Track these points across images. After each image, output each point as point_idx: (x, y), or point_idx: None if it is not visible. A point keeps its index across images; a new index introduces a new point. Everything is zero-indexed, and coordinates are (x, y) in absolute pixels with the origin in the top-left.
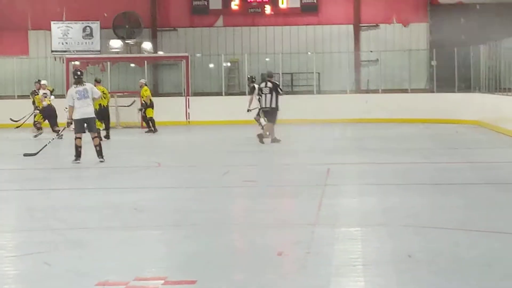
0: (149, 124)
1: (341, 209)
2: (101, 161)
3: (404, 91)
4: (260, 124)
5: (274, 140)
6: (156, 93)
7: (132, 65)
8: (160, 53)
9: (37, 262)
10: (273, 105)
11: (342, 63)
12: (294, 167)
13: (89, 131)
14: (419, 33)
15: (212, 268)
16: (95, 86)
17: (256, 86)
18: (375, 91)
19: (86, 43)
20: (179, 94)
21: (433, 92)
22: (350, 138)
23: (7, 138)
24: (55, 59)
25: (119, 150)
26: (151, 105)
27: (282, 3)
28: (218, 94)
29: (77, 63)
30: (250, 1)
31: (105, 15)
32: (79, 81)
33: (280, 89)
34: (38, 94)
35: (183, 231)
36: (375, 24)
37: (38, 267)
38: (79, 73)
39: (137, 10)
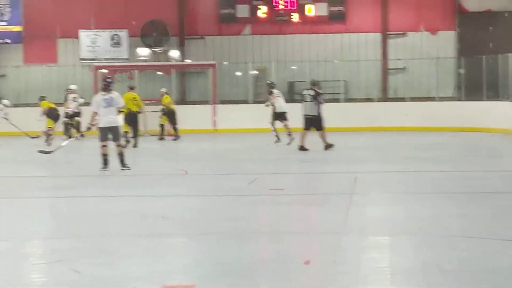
0: (176, 131)
1: (369, 218)
2: (122, 169)
3: (432, 99)
4: (274, 130)
5: (328, 147)
6: (183, 101)
7: (160, 73)
8: (188, 61)
9: (65, 269)
10: (315, 113)
11: (369, 71)
12: (321, 176)
13: (112, 140)
14: (447, 41)
15: (239, 276)
16: (128, 92)
17: (275, 91)
18: (403, 99)
19: (114, 51)
20: (206, 102)
21: (460, 100)
22: (377, 147)
23: (36, 146)
24: (84, 67)
25: (146, 158)
26: (169, 113)
27: (310, 11)
28: (245, 102)
29: (105, 71)
30: (278, 9)
31: (133, 23)
32: (107, 88)
33: (322, 97)
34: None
35: (210, 239)
36: (402, 32)
37: (67, 275)
38: (108, 80)
39: (165, 18)
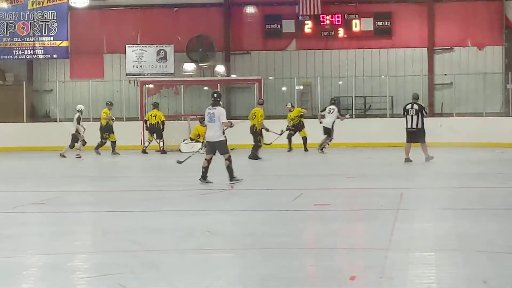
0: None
1: (415, 234)
2: (231, 183)
3: (479, 114)
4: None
5: (428, 159)
6: (228, 116)
7: (205, 88)
8: (233, 76)
9: (112, 283)
10: (419, 126)
11: (416, 86)
12: (366, 191)
13: (220, 153)
14: (494, 56)
15: None
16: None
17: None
18: (449, 115)
19: (160, 66)
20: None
21: (508, 116)
22: (424, 162)
23: (82, 161)
24: (130, 82)
25: (193, 173)
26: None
27: (356, 26)
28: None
29: (151, 86)
30: (324, 24)
31: (179, 38)
32: (214, 103)
33: (425, 111)
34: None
35: (256, 254)
36: (449, 47)
37: None
38: (215, 95)
39: (210, 33)
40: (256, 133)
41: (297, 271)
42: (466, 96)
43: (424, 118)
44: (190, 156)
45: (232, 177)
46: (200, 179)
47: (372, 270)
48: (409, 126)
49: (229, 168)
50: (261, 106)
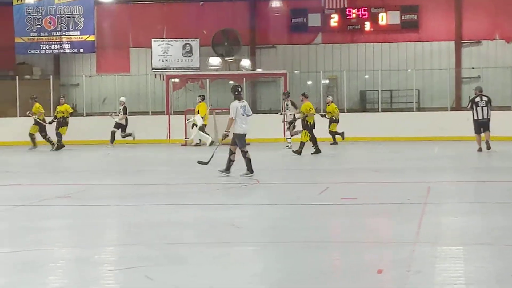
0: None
1: (442, 228)
2: (244, 175)
3: (507, 108)
4: (290, 137)
5: (487, 148)
6: (254, 110)
7: (231, 82)
8: (259, 70)
9: (138, 276)
10: (488, 117)
11: (443, 80)
12: (394, 185)
13: (242, 147)
14: None
15: (311, 286)
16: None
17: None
18: None
19: (185, 60)
20: (277, 111)
21: None
22: (451, 156)
23: (108, 155)
24: (155, 76)
25: (218, 167)
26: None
27: (382, 20)
28: (316, 111)
29: (176, 80)
30: (350, 18)
31: (204, 32)
32: (240, 96)
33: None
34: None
35: (281, 248)
36: (477, 41)
37: (139, 281)
38: (239, 89)
39: (236, 27)
40: (308, 127)
41: (323, 265)
42: (494, 89)
43: (490, 109)
44: (213, 155)
45: (250, 169)
46: (223, 170)
47: (399, 264)
48: (480, 117)
49: (232, 162)
50: (307, 99)
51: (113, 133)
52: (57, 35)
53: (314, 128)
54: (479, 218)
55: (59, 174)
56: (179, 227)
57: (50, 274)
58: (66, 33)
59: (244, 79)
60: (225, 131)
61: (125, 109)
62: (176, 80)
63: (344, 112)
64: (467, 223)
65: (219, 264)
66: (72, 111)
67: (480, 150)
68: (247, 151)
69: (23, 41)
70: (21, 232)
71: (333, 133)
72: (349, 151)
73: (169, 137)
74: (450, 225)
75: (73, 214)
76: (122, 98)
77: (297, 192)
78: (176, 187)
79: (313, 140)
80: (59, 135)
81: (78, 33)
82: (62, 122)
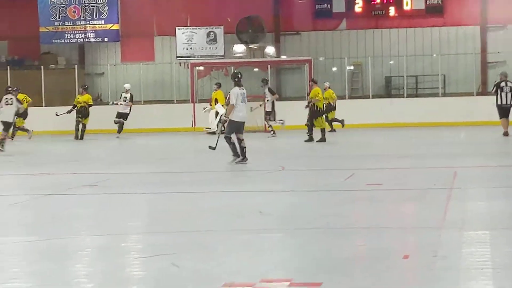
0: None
1: (469, 212)
2: (237, 162)
3: None
4: (270, 125)
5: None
6: (279, 97)
7: (256, 69)
8: (283, 57)
9: (165, 263)
10: (511, 103)
11: (468, 65)
12: (420, 171)
13: (240, 133)
14: None
15: (337, 272)
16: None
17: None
18: None
19: (210, 48)
20: (302, 98)
21: None
22: (478, 141)
23: (134, 143)
24: (180, 65)
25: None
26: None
27: (407, 5)
28: (341, 98)
29: (201, 68)
30: (374, 3)
31: (229, 20)
32: (240, 83)
33: None
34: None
35: (307, 234)
36: (502, 24)
37: (166, 269)
38: (240, 75)
39: (260, 14)
40: (319, 112)
41: (349, 251)
42: None
43: None
44: (218, 140)
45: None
46: (240, 160)
47: (425, 249)
48: (503, 102)
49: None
50: (316, 84)
51: (121, 124)
52: (82, 24)
53: (325, 114)
54: (506, 202)
55: (85, 163)
56: (206, 215)
57: (78, 262)
58: (90, 22)
59: (269, 66)
60: (225, 116)
61: (131, 96)
62: (201, 68)
63: (369, 98)
64: (494, 207)
65: (247, 251)
66: (92, 103)
67: (506, 134)
68: (230, 138)
69: (47, 30)
70: (49, 220)
71: (332, 121)
72: (374, 137)
73: (194, 125)
74: (476, 210)
75: (100, 203)
76: (127, 85)
77: (322, 178)
78: (202, 174)
79: (310, 127)
80: (83, 126)
81: (102, 22)
82: (84, 112)
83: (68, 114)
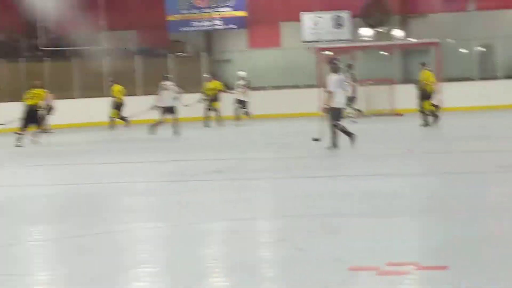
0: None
1: None
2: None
3: None
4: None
5: None
6: (406, 80)
7: (381, 52)
8: (410, 39)
9: (290, 247)
10: None
11: None
12: None
13: (338, 120)
14: None
15: (465, 255)
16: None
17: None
18: None
19: (336, 32)
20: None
21: None
22: None
23: (259, 128)
24: (308, 48)
25: (371, 138)
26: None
27: None
28: (470, 79)
29: (329, 53)
30: None
31: (355, 4)
32: (337, 69)
33: None
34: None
35: (436, 217)
36: None
37: (291, 252)
38: (336, 62)
39: None
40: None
41: (478, 234)
42: None
43: None
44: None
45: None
46: (352, 141)
47: None
48: None
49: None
50: (424, 66)
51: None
52: (208, 12)
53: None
54: None
55: (208, 149)
56: (333, 198)
57: (205, 247)
58: (217, 9)
59: (396, 49)
60: (325, 104)
61: (248, 83)
62: (329, 52)
63: (501, 79)
64: None
65: (374, 235)
66: (221, 88)
67: None
68: (336, 126)
69: (175, 19)
70: (176, 206)
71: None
72: (500, 119)
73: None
74: None
75: (226, 188)
76: (242, 73)
77: (452, 160)
78: (328, 158)
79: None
80: (217, 111)
81: (230, 9)
82: (215, 98)
83: (199, 103)
